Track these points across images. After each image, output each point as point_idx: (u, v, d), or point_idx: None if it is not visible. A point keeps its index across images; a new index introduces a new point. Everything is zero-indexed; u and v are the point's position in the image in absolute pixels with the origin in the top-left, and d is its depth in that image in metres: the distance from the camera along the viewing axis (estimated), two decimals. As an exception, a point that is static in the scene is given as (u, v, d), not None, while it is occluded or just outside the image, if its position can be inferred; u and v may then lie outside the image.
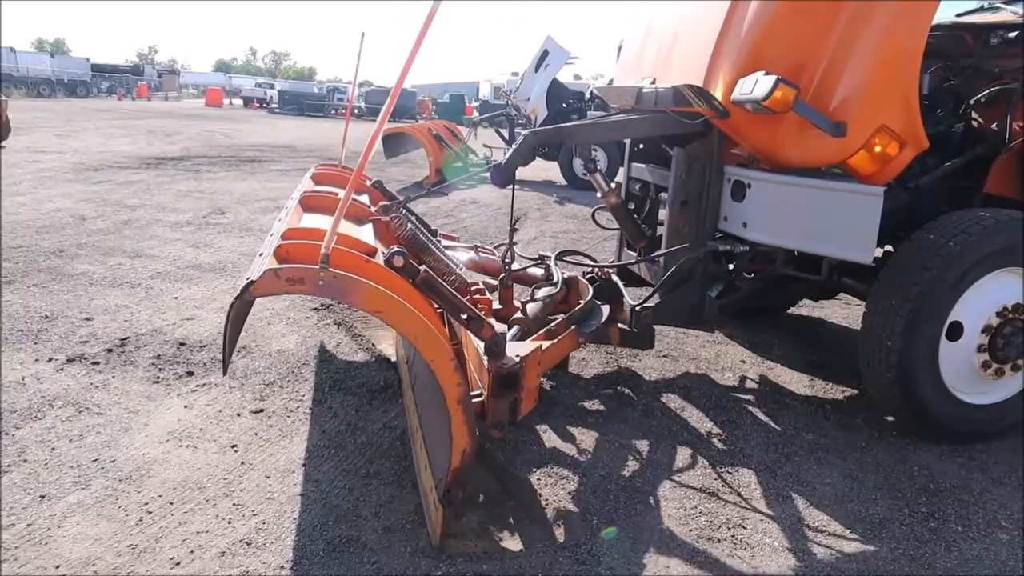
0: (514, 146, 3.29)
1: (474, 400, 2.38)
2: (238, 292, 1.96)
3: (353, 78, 4.28)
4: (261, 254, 2.35)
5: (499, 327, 2.69)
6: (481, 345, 2.49)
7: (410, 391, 3.06)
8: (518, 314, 3.14)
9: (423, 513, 2.44)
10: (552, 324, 3.08)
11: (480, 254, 3.91)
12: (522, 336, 2.95)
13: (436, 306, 2.58)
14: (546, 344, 2.83)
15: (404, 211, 3.40)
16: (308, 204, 3.30)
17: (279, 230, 2.60)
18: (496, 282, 3.31)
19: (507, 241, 3.23)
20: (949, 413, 3.16)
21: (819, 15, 3.00)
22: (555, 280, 3.50)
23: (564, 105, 13.09)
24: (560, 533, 2.42)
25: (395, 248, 2.28)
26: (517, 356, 2.52)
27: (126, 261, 5.55)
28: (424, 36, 2.03)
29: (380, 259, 2.43)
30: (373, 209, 3.42)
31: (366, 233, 3.10)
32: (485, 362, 2.48)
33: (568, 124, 3.72)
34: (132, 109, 32.82)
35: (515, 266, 3.55)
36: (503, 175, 3.19)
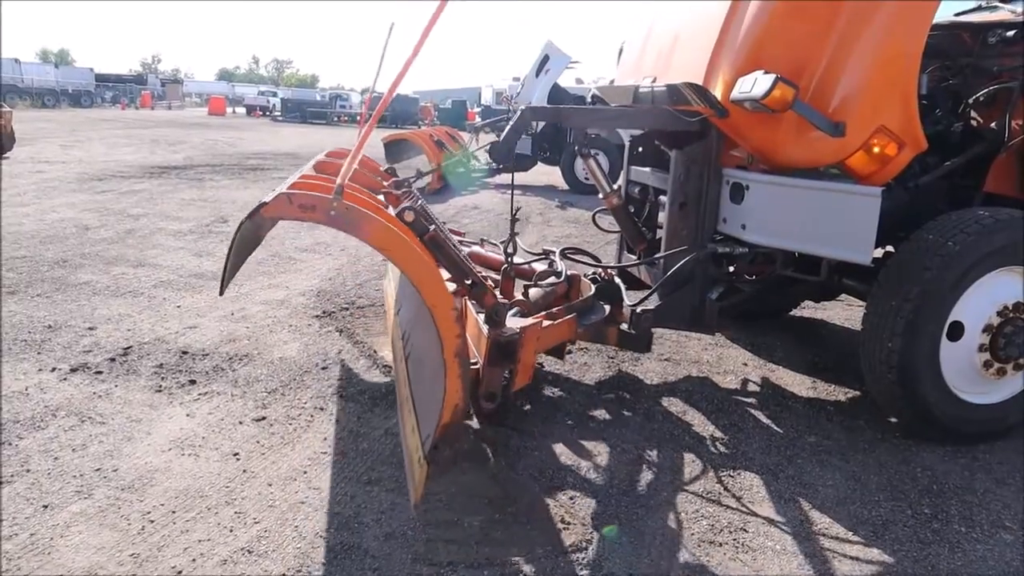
0: (511, 122, 3.31)
1: (470, 368, 2.36)
2: (249, 212, 1.94)
3: (378, 67, 4.25)
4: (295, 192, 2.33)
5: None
6: (481, 316, 2.49)
7: (403, 363, 3.03)
8: (519, 296, 3.17)
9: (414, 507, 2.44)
10: (553, 310, 3.10)
11: (486, 248, 3.94)
12: (522, 316, 2.97)
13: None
14: (546, 322, 2.84)
15: (414, 192, 3.44)
16: (322, 168, 3.31)
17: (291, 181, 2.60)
18: (499, 276, 3.33)
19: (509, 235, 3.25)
20: (951, 413, 3.15)
21: (818, 16, 3.01)
22: (560, 270, 3.51)
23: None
24: (562, 538, 2.42)
25: (407, 203, 2.28)
26: (517, 328, 2.52)
27: (129, 270, 5.58)
28: (426, 38, 2.04)
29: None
30: (386, 184, 3.48)
31: (379, 201, 3.13)
32: (484, 331, 2.48)
33: (566, 107, 3.75)
34: (136, 118, 32.97)
35: (518, 259, 3.57)
36: (502, 151, 3.23)
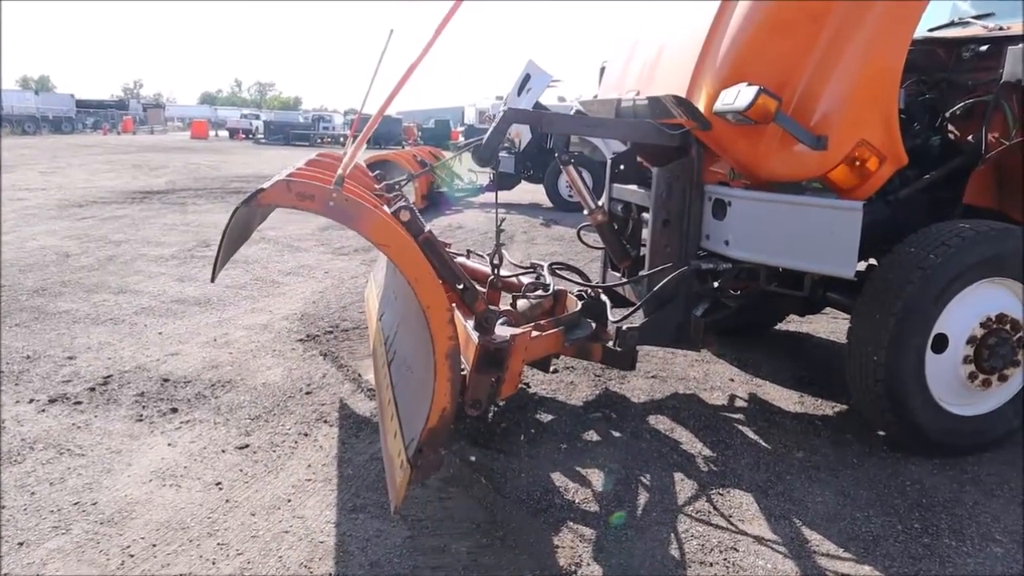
0: (493, 124, 3.31)
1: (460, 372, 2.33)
2: (246, 199, 1.89)
3: (372, 76, 4.24)
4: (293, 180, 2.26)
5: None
6: (470, 323, 2.46)
7: (385, 368, 2.99)
8: (506, 307, 3.15)
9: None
10: (541, 322, 3.09)
11: (472, 260, 3.93)
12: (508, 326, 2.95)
13: None
14: (535, 332, 2.82)
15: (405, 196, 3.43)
16: (314, 165, 3.27)
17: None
18: (485, 288, 3.31)
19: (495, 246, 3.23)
20: (939, 426, 3.15)
21: (801, 31, 3.04)
22: (548, 283, 3.49)
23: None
24: (552, 562, 2.38)
25: (403, 203, 2.26)
26: (508, 335, 2.50)
27: (110, 297, 5.51)
28: (424, 55, 2.04)
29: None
30: (377, 187, 3.46)
31: (375, 199, 3.11)
32: (473, 337, 2.45)
33: (548, 112, 3.76)
34: (117, 144, 32.81)
35: (505, 272, 3.55)
36: (485, 153, 3.22)
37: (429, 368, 2.12)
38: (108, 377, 3.85)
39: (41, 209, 10.07)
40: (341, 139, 40.60)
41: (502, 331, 2.61)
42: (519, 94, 13.06)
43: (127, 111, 57.80)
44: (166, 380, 3.85)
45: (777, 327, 5.11)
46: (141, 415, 3.41)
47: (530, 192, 14.14)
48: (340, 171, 1.96)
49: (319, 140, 41.59)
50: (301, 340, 4.61)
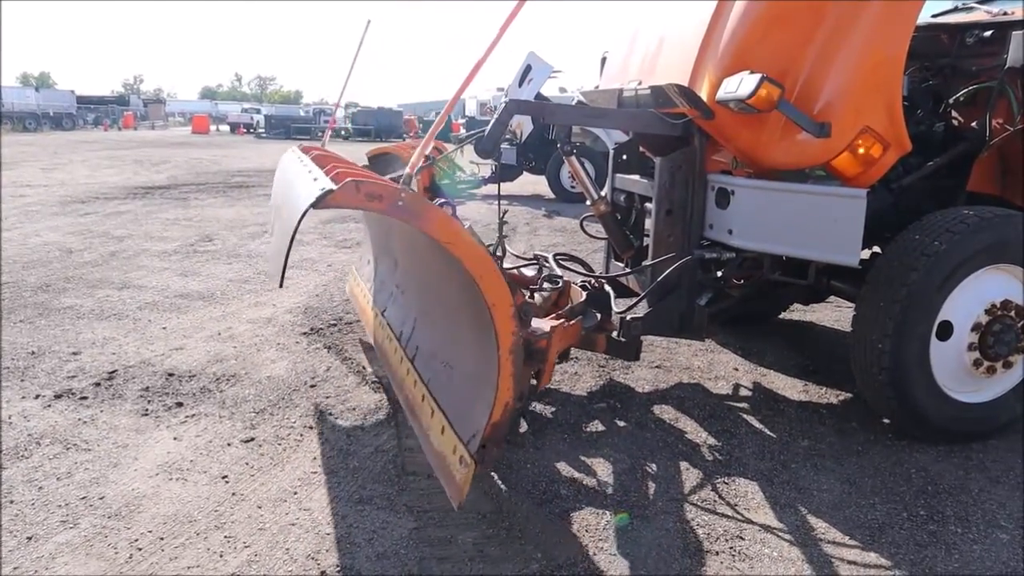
0: (495, 116, 3.30)
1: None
2: (313, 199, 1.85)
3: (351, 65, 4.24)
4: (315, 177, 2.20)
5: None
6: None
7: (406, 364, 2.99)
8: (526, 299, 3.16)
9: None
10: (561, 313, 3.09)
11: None
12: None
13: None
14: (567, 323, 2.83)
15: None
16: (321, 161, 3.26)
17: (304, 166, 2.48)
18: None
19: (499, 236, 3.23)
20: (944, 413, 3.15)
21: (803, 19, 3.02)
22: (559, 276, 3.49)
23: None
24: (558, 552, 2.39)
25: (443, 199, 2.26)
26: (547, 328, 2.51)
27: (114, 293, 5.52)
28: (498, 41, 2.06)
29: None
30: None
31: None
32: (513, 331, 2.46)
33: (550, 103, 3.75)
34: (119, 140, 32.82)
35: (507, 264, 3.54)
36: (487, 144, 3.21)
37: (489, 363, 2.13)
38: (113, 372, 3.86)
39: (43, 206, 10.08)
40: (343, 132, 40.62)
41: (538, 324, 2.61)
42: (520, 85, 12.98)
43: (128, 107, 57.84)
44: (171, 375, 3.86)
45: (780, 316, 5.10)
46: (146, 410, 3.42)
47: (532, 183, 14.12)
48: (407, 170, 1.98)
49: (320, 134, 41.50)
50: (305, 333, 4.61)
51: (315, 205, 1.86)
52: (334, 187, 1.87)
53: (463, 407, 2.33)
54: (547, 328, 2.55)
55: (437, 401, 2.54)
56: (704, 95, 3.09)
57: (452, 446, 2.28)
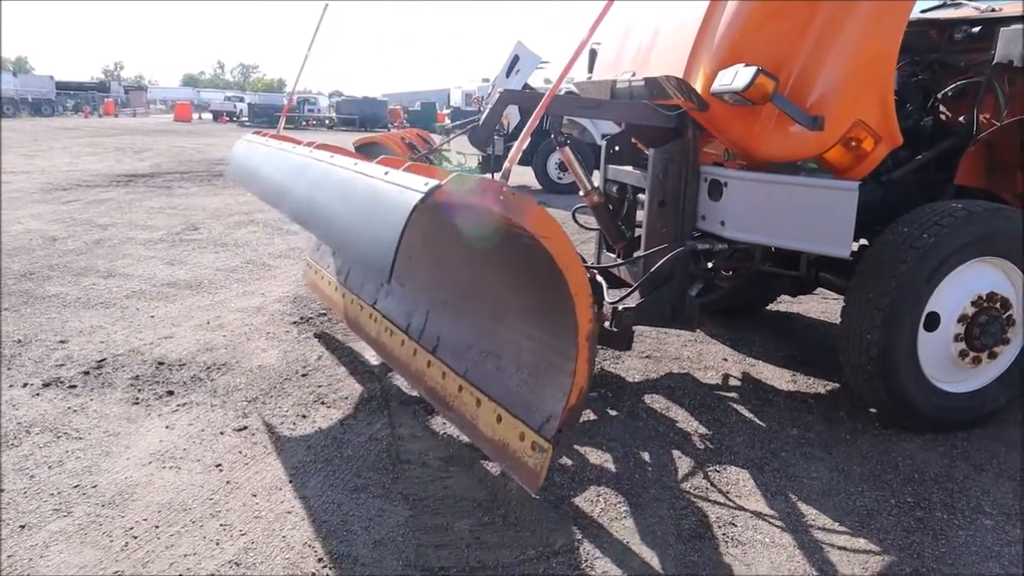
0: (489, 105, 3.30)
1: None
2: (423, 195, 1.85)
3: (307, 49, 4.21)
4: (390, 172, 2.16)
5: None
6: None
7: (424, 355, 2.99)
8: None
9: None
10: None
11: None
12: None
13: None
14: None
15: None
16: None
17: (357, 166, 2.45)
18: None
19: None
20: (930, 403, 3.20)
21: (798, 13, 3.05)
22: None
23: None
24: (553, 539, 2.41)
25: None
26: None
27: (99, 281, 5.46)
28: (595, 30, 2.08)
29: None
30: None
31: None
32: None
33: (543, 93, 3.74)
34: (99, 126, 32.38)
35: None
36: (481, 135, 3.22)
37: (555, 350, 2.23)
38: (102, 361, 3.83)
39: (24, 193, 9.94)
40: (327, 121, 40.31)
41: None
42: (508, 76, 12.99)
43: (108, 93, 56.97)
44: (161, 363, 3.84)
45: (768, 308, 5.15)
46: (137, 398, 3.40)
47: (519, 174, 14.10)
48: (507, 164, 2.03)
49: (304, 123, 41.23)
50: (295, 322, 4.60)
51: (424, 201, 1.84)
52: (442, 183, 1.88)
53: (525, 395, 2.38)
54: None
55: (482, 390, 2.56)
56: (699, 87, 3.11)
57: (517, 433, 2.31)
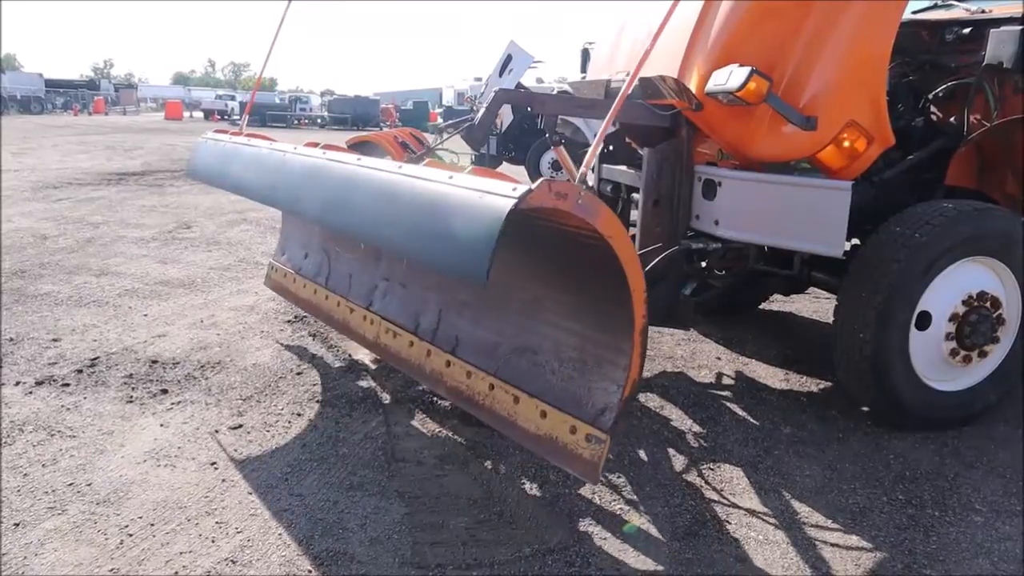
0: (484, 104, 3.31)
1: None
2: (516, 199, 1.88)
3: (272, 42, 4.19)
4: (449, 175, 2.20)
5: None
6: None
7: (442, 355, 2.96)
8: None
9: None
10: None
11: None
12: None
13: None
14: None
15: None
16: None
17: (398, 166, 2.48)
18: None
19: None
20: (921, 401, 3.23)
21: (791, 14, 3.07)
22: None
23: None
24: (549, 537, 2.42)
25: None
26: None
27: (92, 279, 5.44)
28: (662, 29, 2.19)
29: None
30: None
31: None
32: None
33: (538, 92, 3.76)
34: (90, 124, 32.19)
35: None
36: (477, 134, 3.22)
37: (603, 344, 2.33)
38: (95, 359, 3.82)
39: (15, 191, 9.88)
40: (319, 120, 40.20)
41: None
42: (501, 75, 12.99)
43: (98, 91, 56.65)
44: (154, 362, 3.83)
45: (761, 307, 5.18)
46: (131, 396, 3.39)
47: (511, 173, 14.10)
48: (582, 168, 2.08)
49: (296, 121, 41.10)
50: (289, 321, 4.59)
51: (518, 205, 1.89)
52: (532, 187, 1.92)
53: (572, 389, 2.42)
54: None
55: (519, 387, 2.57)
56: (693, 87, 3.13)
57: (567, 426, 2.33)
